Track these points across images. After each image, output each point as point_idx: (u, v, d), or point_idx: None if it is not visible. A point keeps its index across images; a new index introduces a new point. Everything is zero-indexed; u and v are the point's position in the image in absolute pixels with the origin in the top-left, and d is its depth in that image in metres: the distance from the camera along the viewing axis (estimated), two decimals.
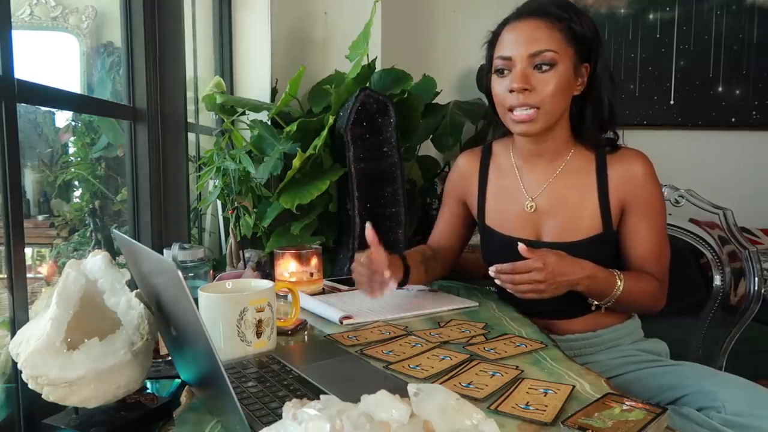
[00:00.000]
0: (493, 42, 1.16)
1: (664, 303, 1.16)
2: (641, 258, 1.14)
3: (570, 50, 1.09)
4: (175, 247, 1.22)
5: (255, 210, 1.75)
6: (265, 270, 1.53)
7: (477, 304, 1.18)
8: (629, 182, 1.14)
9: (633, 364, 1.16)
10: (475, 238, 2.00)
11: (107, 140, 1.97)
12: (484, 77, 1.22)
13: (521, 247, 1.03)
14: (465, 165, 1.31)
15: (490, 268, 1.06)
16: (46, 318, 0.68)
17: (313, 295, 1.23)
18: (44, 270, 1.92)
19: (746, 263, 1.47)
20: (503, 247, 1.20)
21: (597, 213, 1.15)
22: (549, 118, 1.11)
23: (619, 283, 1.08)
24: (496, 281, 1.06)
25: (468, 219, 1.34)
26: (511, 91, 1.09)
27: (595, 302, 1.12)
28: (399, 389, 0.52)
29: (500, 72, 1.12)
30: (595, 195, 1.15)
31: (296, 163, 1.63)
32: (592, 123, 1.16)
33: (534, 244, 1.14)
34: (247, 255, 1.63)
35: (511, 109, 1.11)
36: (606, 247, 1.16)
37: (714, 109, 2.75)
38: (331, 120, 1.68)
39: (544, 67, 1.07)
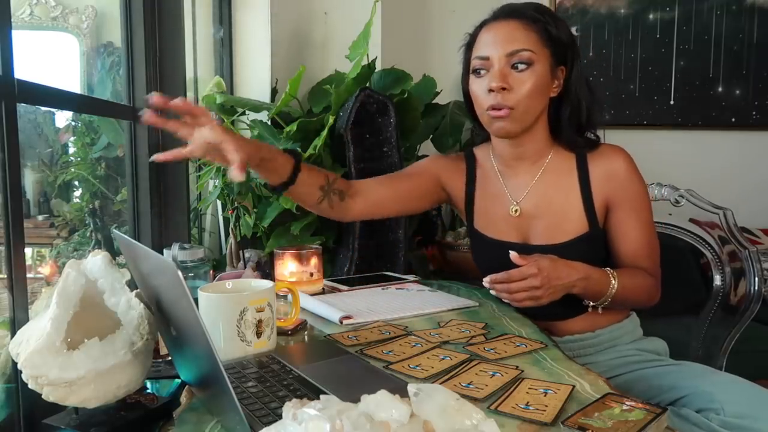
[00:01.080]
0: (470, 44, 1.17)
1: (659, 297, 1.16)
2: (632, 254, 1.14)
3: (546, 51, 1.11)
4: (175, 247, 1.22)
5: (255, 210, 1.75)
6: (265, 270, 1.54)
7: (477, 304, 1.18)
8: (612, 179, 1.15)
9: (632, 364, 1.16)
10: None
11: (107, 140, 1.97)
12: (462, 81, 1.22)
13: (513, 254, 1.02)
14: (453, 162, 1.31)
15: (483, 280, 1.04)
16: (46, 318, 0.68)
17: (313, 295, 1.23)
18: (44, 270, 1.92)
19: (746, 263, 1.47)
20: (493, 251, 1.20)
21: (582, 212, 1.15)
22: (525, 118, 1.12)
23: (613, 281, 1.08)
24: (491, 292, 1.05)
25: (419, 194, 1.28)
26: (490, 90, 1.10)
27: (591, 303, 1.12)
28: (399, 389, 0.52)
29: (477, 72, 1.13)
30: (579, 194, 1.16)
31: None
32: (569, 125, 1.17)
33: (522, 248, 1.13)
34: (247, 255, 1.63)
35: (488, 109, 1.11)
36: (594, 246, 1.16)
37: (714, 109, 2.75)
38: (331, 120, 1.68)
39: (521, 66, 1.09)
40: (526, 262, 1.02)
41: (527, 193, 1.19)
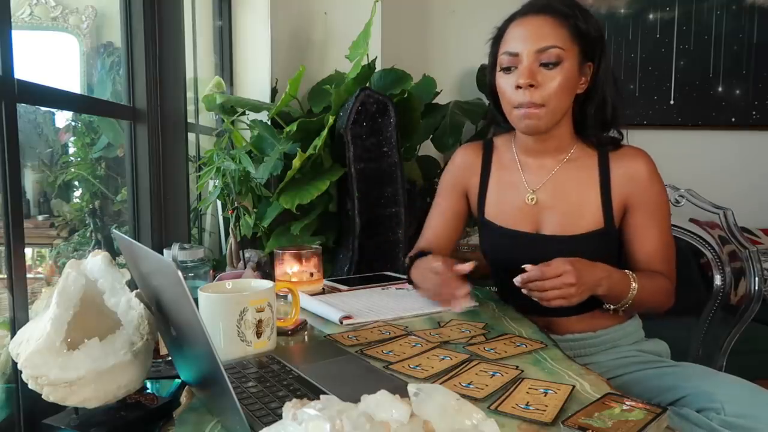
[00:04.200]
0: (498, 38, 1.16)
1: (674, 301, 1.15)
2: (649, 256, 1.14)
3: (575, 48, 1.10)
4: (175, 247, 1.22)
5: (255, 210, 1.75)
6: (265, 270, 1.53)
7: (477, 304, 1.18)
8: (633, 180, 1.14)
9: (633, 365, 1.16)
10: (474, 238, 2.00)
11: (107, 140, 1.97)
12: (485, 76, 1.22)
13: (528, 267, 0.99)
14: (466, 158, 1.30)
15: (515, 279, 1.00)
16: (46, 318, 0.68)
17: (313, 295, 1.23)
18: (44, 270, 1.92)
19: (746, 263, 1.46)
20: (502, 240, 1.19)
21: (599, 209, 1.15)
22: (554, 116, 1.11)
23: (633, 283, 1.07)
24: (522, 290, 1.00)
25: (465, 213, 1.31)
26: (518, 87, 1.09)
27: (612, 306, 1.10)
28: (399, 389, 0.52)
29: (507, 69, 1.12)
30: (597, 191, 1.16)
31: (296, 163, 1.63)
32: (594, 122, 1.16)
33: (534, 238, 1.13)
34: (247, 255, 1.63)
35: (517, 107, 1.11)
36: (607, 243, 1.16)
37: (714, 109, 2.75)
38: (331, 120, 1.68)
39: (551, 65, 1.08)
40: (542, 270, 0.98)
41: (545, 182, 1.19)
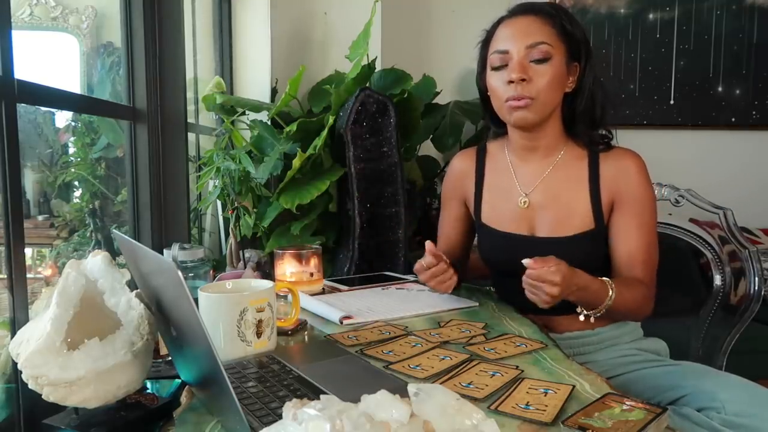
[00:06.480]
0: (487, 41, 1.19)
1: (651, 310, 1.13)
2: (628, 257, 1.13)
3: (562, 46, 1.13)
4: (175, 247, 1.22)
5: (255, 210, 1.75)
6: (265, 270, 1.53)
7: (477, 304, 1.18)
8: (620, 178, 1.15)
9: (633, 364, 1.16)
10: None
11: (107, 140, 1.97)
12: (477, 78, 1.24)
13: (525, 262, 0.98)
14: (461, 165, 1.32)
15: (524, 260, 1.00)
16: (46, 318, 0.68)
17: (313, 295, 1.23)
18: (44, 270, 1.92)
19: (746, 263, 1.47)
20: (499, 243, 1.21)
21: (589, 209, 1.16)
22: (544, 110, 1.13)
23: (611, 293, 1.04)
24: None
25: (470, 218, 1.34)
26: (510, 82, 1.11)
27: (584, 312, 1.08)
28: (399, 389, 0.52)
29: (498, 67, 1.15)
30: (587, 191, 1.17)
31: (296, 163, 1.63)
32: (583, 121, 1.18)
33: (528, 240, 1.14)
34: (247, 255, 1.62)
35: (508, 100, 1.13)
36: (598, 243, 1.16)
37: (714, 109, 2.75)
38: (331, 120, 1.68)
39: (541, 60, 1.11)
40: (545, 264, 0.98)
41: (537, 185, 1.20)
